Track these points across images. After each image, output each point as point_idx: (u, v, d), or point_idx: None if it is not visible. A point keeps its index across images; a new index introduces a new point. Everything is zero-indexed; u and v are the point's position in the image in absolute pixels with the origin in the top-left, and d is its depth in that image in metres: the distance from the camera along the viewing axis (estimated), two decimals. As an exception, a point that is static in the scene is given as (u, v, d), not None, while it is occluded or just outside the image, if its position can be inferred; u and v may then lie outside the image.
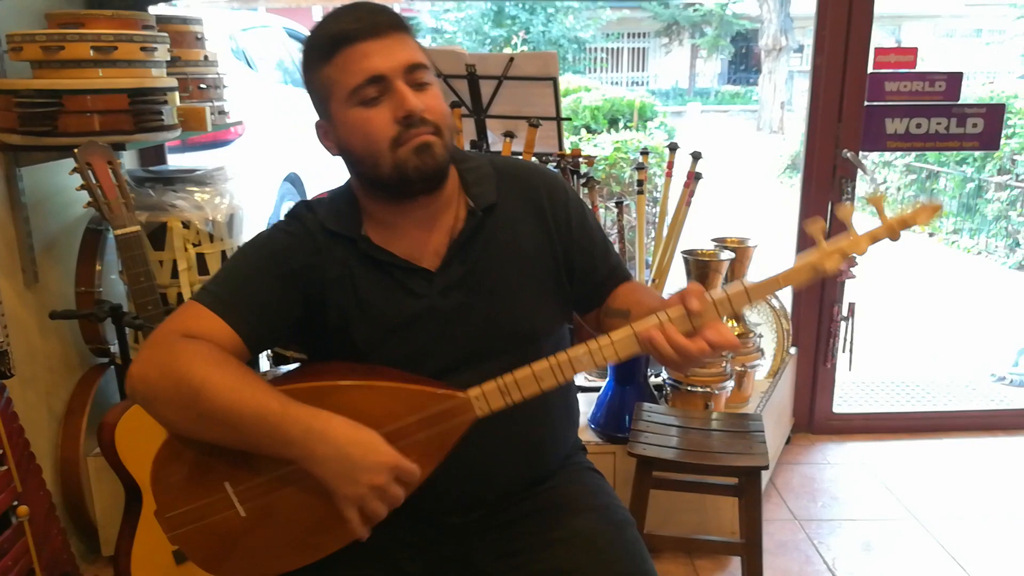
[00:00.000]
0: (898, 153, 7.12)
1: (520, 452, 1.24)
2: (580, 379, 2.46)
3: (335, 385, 1.10)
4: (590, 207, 1.31)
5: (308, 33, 1.15)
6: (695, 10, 19.40)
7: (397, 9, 1.14)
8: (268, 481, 1.09)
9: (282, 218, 1.25)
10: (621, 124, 7.24)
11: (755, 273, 2.55)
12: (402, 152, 1.10)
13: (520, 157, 1.34)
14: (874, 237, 1.08)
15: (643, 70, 22.13)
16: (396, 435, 1.07)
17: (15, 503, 1.65)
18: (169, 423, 1.09)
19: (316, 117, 1.21)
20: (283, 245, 1.19)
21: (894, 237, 1.08)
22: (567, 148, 2.50)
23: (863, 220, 1.10)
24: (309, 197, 1.30)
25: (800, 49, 17.04)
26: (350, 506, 1.03)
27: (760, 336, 2.53)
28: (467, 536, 1.24)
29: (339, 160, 1.21)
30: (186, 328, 1.11)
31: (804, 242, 2.84)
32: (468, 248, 1.21)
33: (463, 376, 1.16)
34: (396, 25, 1.10)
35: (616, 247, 2.17)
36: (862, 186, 8.26)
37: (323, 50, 1.11)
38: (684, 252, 2.30)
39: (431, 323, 1.19)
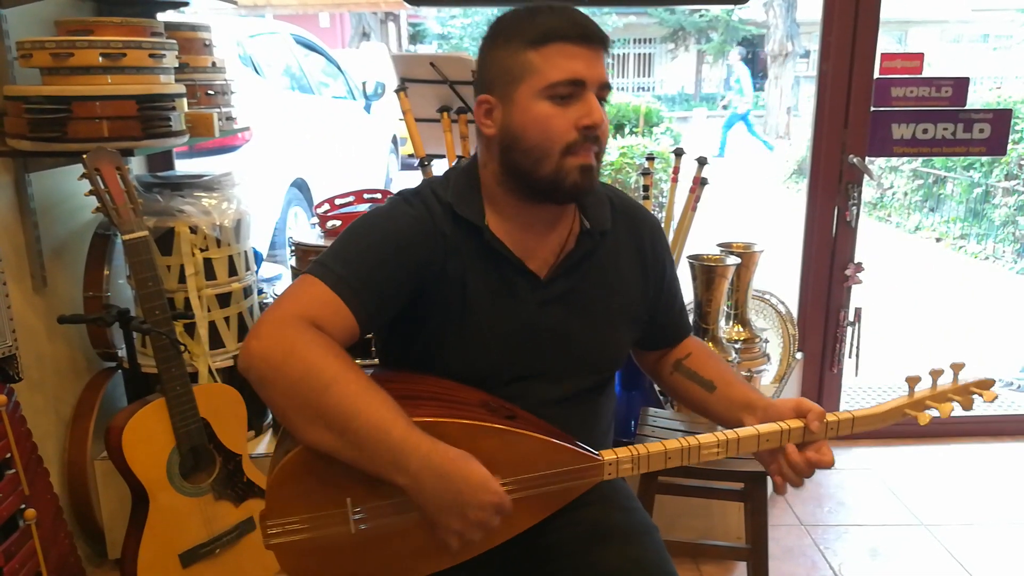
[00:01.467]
0: (905, 158, 7.10)
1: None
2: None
3: (480, 426, 1.09)
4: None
5: (504, 14, 1.16)
6: (701, 16, 19.41)
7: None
8: (392, 505, 1.08)
9: (406, 195, 1.22)
10: (627, 129, 7.26)
11: (761, 279, 2.55)
12: (569, 162, 1.12)
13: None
14: (950, 399, 1.19)
15: (649, 76, 22.13)
16: (526, 483, 1.09)
17: (23, 506, 1.66)
18: (282, 409, 1.05)
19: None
20: (410, 233, 1.17)
21: (966, 405, 1.20)
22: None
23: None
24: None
25: (806, 55, 17.02)
26: (452, 536, 1.04)
27: (766, 341, 2.53)
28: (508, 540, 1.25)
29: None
30: (312, 313, 1.08)
31: (810, 248, 2.84)
32: (577, 267, 1.23)
33: (532, 390, 1.20)
34: (603, 40, 1.13)
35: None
36: (868, 191, 8.25)
37: (533, 36, 1.11)
38: (690, 257, 2.30)
39: (521, 332, 1.20)
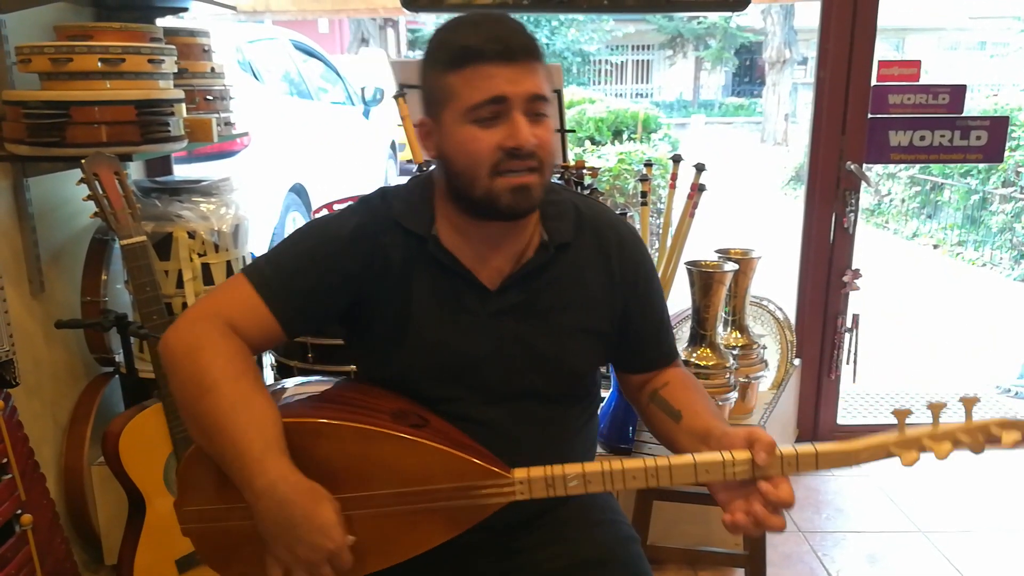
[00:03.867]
0: (902, 165, 7.12)
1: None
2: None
3: (379, 432, 1.07)
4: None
5: (437, 29, 1.13)
6: (699, 23, 19.46)
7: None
8: None
9: (355, 202, 1.22)
10: (625, 136, 7.27)
11: (759, 285, 2.55)
12: (499, 183, 1.08)
13: (607, 206, 1.34)
14: (957, 442, 1.03)
15: (647, 82, 22.20)
16: (425, 496, 1.06)
17: (19, 512, 1.65)
18: (176, 401, 1.10)
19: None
20: (344, 241, 1.16)
21: (976, 449, 1.03)
22: (571, 159, 2.51)
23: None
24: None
25: (804, 61, 17.07)
26: (276, 565, 1.03)
27: (764, 347, 2.53)
28: (472, 551, 1.23)
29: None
30: (229, 312, 1.11)
31: (808, 254, 2.85)
32: (532, 278, 1.20)
33: (493, 405, 1.18)
34: (529, 52, 1.08)
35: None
36: (866, 198, 8.25)
37: (451, 58, 1.08)
38: (688, 263, 2.30)
39: (473, 343, 1.18)
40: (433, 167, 1.23)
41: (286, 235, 1.23)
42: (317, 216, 1.24)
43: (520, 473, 1.06)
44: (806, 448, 1.02)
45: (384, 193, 1.23)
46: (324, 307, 1.17)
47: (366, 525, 1.05)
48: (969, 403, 1.01)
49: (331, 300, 1.17)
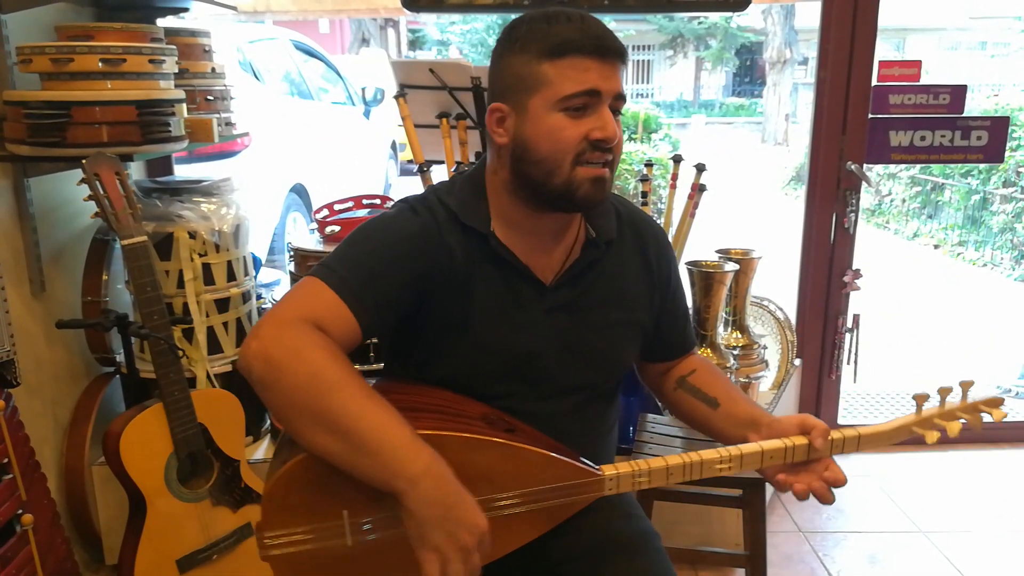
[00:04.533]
0: (903, 165, 7.12)
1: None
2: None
3: (480, 439, 1.08)
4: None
5: (520, 18, 1.15)
6: (699, 23, 19.46)
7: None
8: (390, 518, 1.05)
9: (412, 202, 1.22)
10: (626, 136, 7.27)
11: (759, 285, 2.56)
12: (580, 173, 1.11)
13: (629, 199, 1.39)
14: (958, 418, 1.17)
15: (648, 82, 22.20)
16: (526, 497, 1.09)
17: (20, 511, 1.65)
18: (283, 409, 1.03)
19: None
20: (414, 242, 1.16)
21: (975, 425, 1.18)
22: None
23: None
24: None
25: (804, 61, 17.08)
26: (433, 556, 0.99)
27: (765, 347, 2.53)
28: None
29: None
30: (314, 314, 1.07)
31: (808, 254, 2.84)
32: (582, 275, 1.23)
33: (544, 401, 1.20)
34: (619, 54, 1.12)
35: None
36: (866, 198, 8.25)
37: (548, 47, 1.10)
38: (688, 263, 2.30)
39: (528, 340, 1.20)
40: (481, 161, 1.24)
41: (284, 235, 1.23)
42: (374, 217, 1.23)
43: (609, 470, 1.12)
44: (850, 432, 1.17)
45: (438, 192, 1.23)
46: (394, 308, 1.16)
47: None
48: (965, 386, 1.16)
49: (403, 300, 1.16)
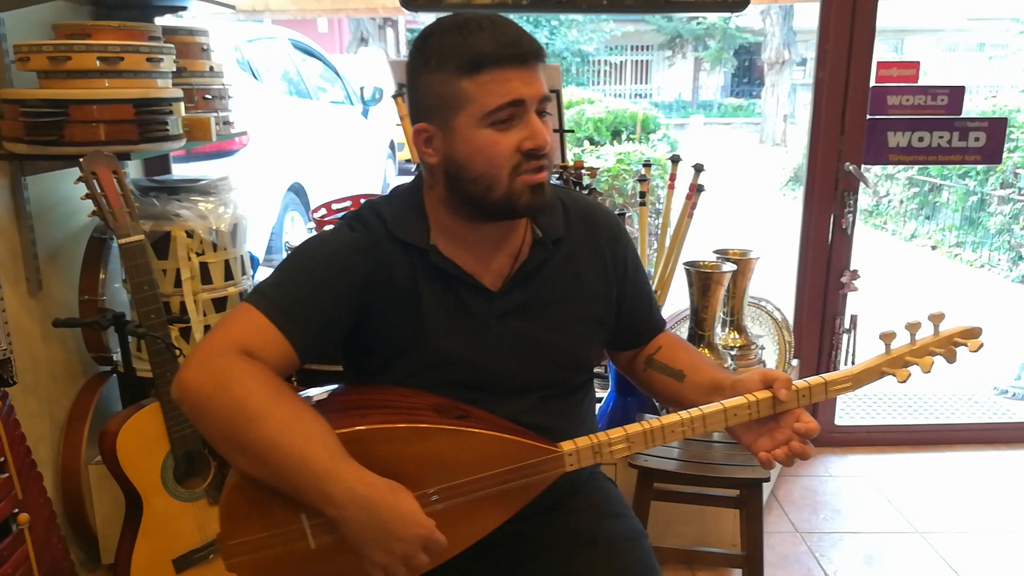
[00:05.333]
0: (901, 166, 7.12)
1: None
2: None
3: (429, 428, 1.08)
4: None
5: (430, 33, 1.11)
6: (698, 23, 19.46)
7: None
8: None
9: (345, 219, 1.22)
10: (624, 136, 7.27)
11: (757, 286, 2.56)
12: (519, 183, 1.10)
13: (579, 192, 1.38)
14: (932, 353, 1.14)
15: (646, 83, 22.20)
16: (485, 482, 1.08)
17: (16, 511, 1.65)
18: (212, 438, 1.06)
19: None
20: (347, 258, 1.16)
21: (950, 358, 1.15)
22: (570, 160, 2.51)
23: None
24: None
25: (803, 62, 17.09)
26: (377, 570, 1.02)
27: (762, 348, 2.53)
28: (496, 547, 1.23)
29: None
30: (244, 341, 1.07)
31: (806, 255, 2.85)
32: (531, 276, 1.22)
33: (507, 402, 1.19)
34: (538, 54, 1.10)
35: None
36: (864, 199, 8.24)
37: (464, 62, 1.07)
38: (686, 264, 2.30)
39: (482, 346, 1.19)
40: (417, 176, 1.23)
41: (282, 234, 1.23)
42: (309, 237, 1.23)
43: (568, 445, 1.12)
44: (816, 379, 1.14)
45: (374, 207, 1.22)
46: (333, 327, 1.16)
47: (433, 520, 1.06)
48: (936, 319, 1.14)
49: (339, 319, 1.16)
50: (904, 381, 1.13)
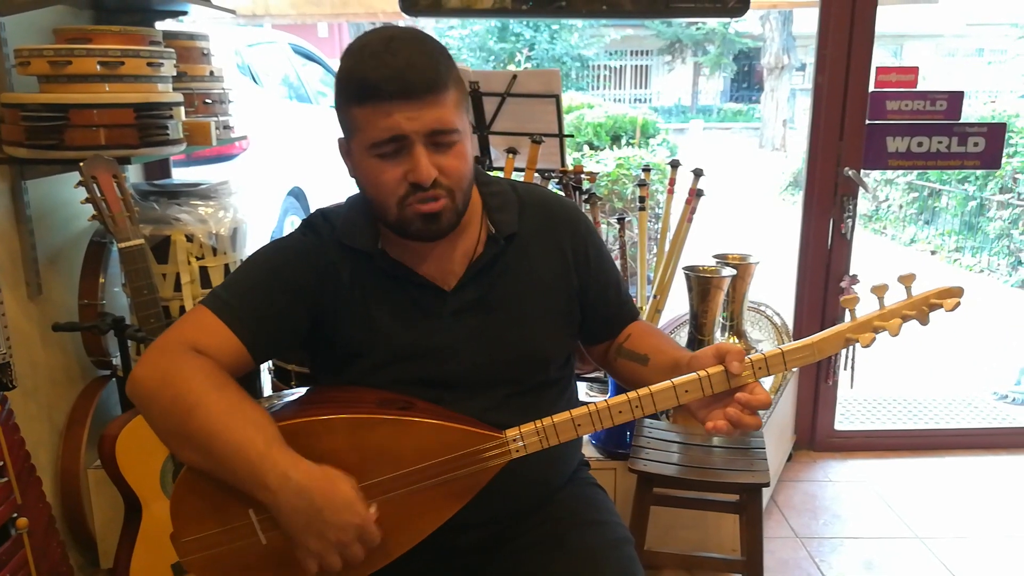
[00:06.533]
0: (900, 171, 7.13)
1: (532, 472, 1.23)
2: (581, 394, 2.46)
3: (369, 418, 1.09)
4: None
5: (345, 52, 1.10)
6: (697, 28, 19.49)
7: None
8: None
9: (299, 226, 1.25)
10: (623, 141, 7.27)
11: (757, 290, 2.56)
12: (408, 212, 1.10)
13: (540, 185, 1.38)
14: (904, 317, 1.09)
15: (646, 87, 22.22)
16: (429, 471, 1.08)
17: (15, 515, 1.65)
18: (159, 433, 1.09)
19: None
20: (293, 258, 1.19)
21: (923, 320, 1.09)
22: (569, 164, 2.51)
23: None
24: (321, 206, 1.30)
25: (802, 67, 17.11)
26: (310, 558, 1.03)
27: (762, 352, 2.53)
28: (471, 554, 1.24)
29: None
30: (193, 338, 1.11)
31: (806, 259, 2.85)
32: (485, 273, 1.22)
33: (470, 399, 1.19)
34: (431, 87, 1.06)
35: (618, 263, 2.18)
36: (864, 204, 8.22)
37: (353, 91, 1.08)
38: (686, 268, 2.31)
39: (440, 345, 1.19)
40: None
41: (242, 263, 1.25)
42: (263, 244, 1.26)
43: (512, 432, 1.11)
44: (773, 350, 1.09)
45: (324, 214, 1.25)
46: (284, 324, 1.18)
47: (380, 512, 1.06)
48: (907, 280, 1.07)
49: (290, 316, 1.18)
50: (868, 345, 1.08)
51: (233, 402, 1.06)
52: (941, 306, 1.07)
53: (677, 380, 1.09)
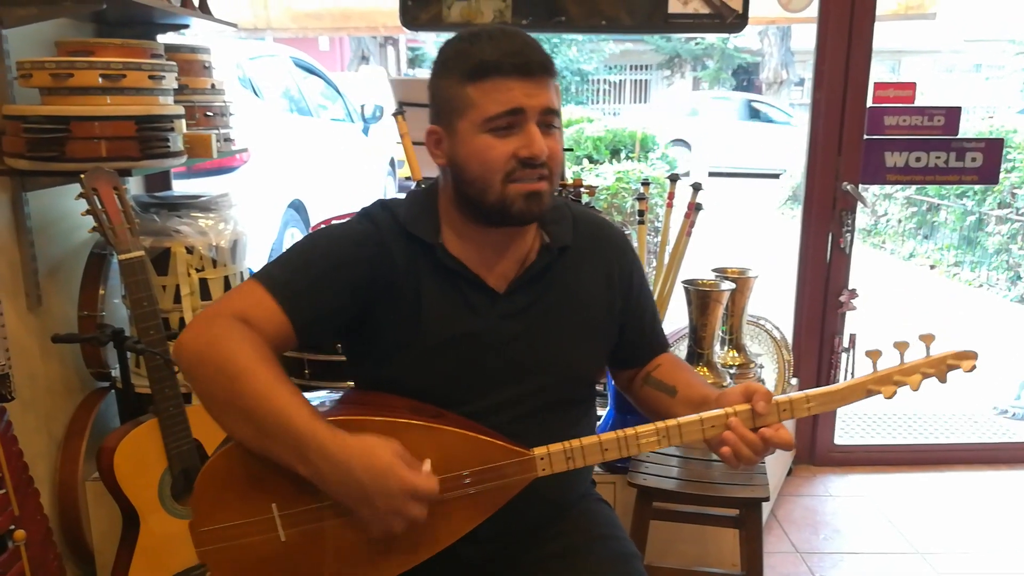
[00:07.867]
0: (898, 186, 7.15)
1: (548, 490, 1.22)
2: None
3: (400, 422, 1.10)
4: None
5: (450, 40, 1.17)
6: (696, 43, 19.59)
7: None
8: (320, 508, 1.08)
9: (356, 214, 1.26)
10: (623, 155, 7.29)
11: (756, 304, 2.56)
12: (512, 190, 1.13)
13: (592, 208, 1.42)
14: (924, 374, 1.15)
15: (645, 102, 22.31)
16: (453, 482, 1.09)
17: (12, 527, 1.64)
18: (203, 398, 1.09)
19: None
20: (350, 246, 1.19)
21: (941, 379, 1.15)
22: (569, 178, 2.52)
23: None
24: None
25: (801, 83, 17.18)
26: (373, 526, 1.04)
27: (761, 367, 2.53)
28: (482, 566, 1.24)
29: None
30: (244, 311, 1.11)
31: (805, 274, 2.85)
32: (536, 280, 1.24)
33: (499, 402, 1.20)
34: (545, 68, 1.13)
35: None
36: (862, 218, 8.23)
37: (468, 69, 1.12)
38: (685, 282, 2.31)
39: (483, 345, 1.20)
40: (437, 178, 1.26)
41: (282, 251, 1.25)
42: (319, 227, 1.25)
43: (540, 450, 1.12)
44: (798, 395, 1.13)
45: (384, 204, 1.26)
46: (332, 308, 1.18)
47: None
48: (927, 339, 1.13)
49: (341, 303, 1.18)
50: (891, 397, 1.13)
51: (278, 374, 1.07)
52: (959, 367, 1.14)
53: (705, 415, 1.13)
